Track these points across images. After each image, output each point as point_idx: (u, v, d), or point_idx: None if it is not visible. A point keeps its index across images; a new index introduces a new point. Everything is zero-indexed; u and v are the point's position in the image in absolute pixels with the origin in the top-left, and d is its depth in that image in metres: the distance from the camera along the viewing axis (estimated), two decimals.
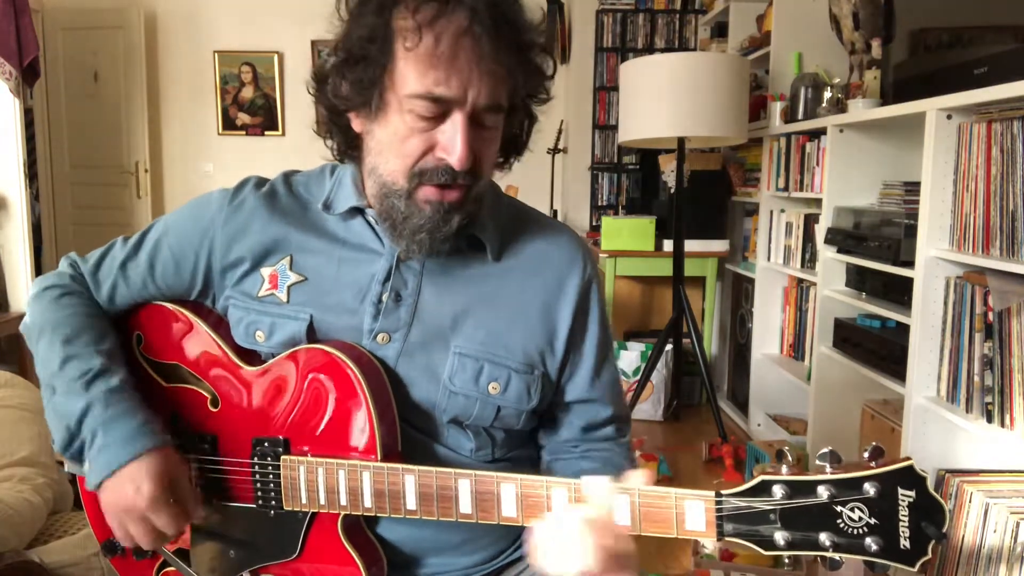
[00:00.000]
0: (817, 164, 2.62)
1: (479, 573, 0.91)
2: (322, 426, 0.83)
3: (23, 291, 3.13)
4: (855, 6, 2.50)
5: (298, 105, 4.95)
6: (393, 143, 0.79)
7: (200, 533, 0.90)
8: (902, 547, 0.63)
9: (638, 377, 3.20)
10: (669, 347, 3.12)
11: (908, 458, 0.64)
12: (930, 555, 0.63)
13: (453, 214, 0.81)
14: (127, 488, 0.79)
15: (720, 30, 3.96)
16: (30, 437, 1.57)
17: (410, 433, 0.85)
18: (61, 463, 1.62)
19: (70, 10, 4.77)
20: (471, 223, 0.86)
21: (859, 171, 2.43)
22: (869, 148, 2.41)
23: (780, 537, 0.65)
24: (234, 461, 0.87)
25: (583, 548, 0.69)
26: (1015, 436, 1.56)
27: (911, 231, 1.94)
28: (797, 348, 2.90)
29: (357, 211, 0.88)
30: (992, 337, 1.63)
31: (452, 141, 0.77)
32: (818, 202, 2.56)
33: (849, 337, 2.32)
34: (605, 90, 4.54)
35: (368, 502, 0.79)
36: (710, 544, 1.94)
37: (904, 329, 1.95)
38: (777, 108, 2.91)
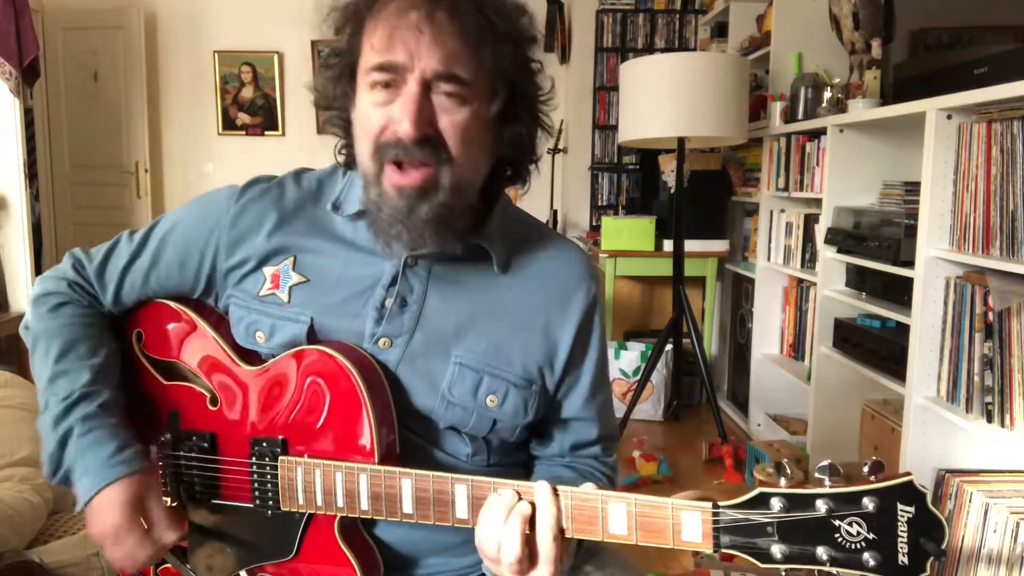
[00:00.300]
0: (817, 164, 2.61)
1: (475, 574, 0.91)
2: (320, 427, 0.82)
3: (23, 291, 3.13)
4: (855, 6, 2.49)
5: (298, 105, 4.95)
6: (361, 125, 0.81)
7: (198, 532, 0.90)
8: (900, 563, 0.62)
9: (638, 377, 3.19)
10: (669, 347, 3.12)
11: (908, 473, 0.63)
12: (928, 571, 0.62)
13: (421, 201, 0.78)
14: (100, 515, 0.82)
15: (720, 30, 3.96)
16: (30, 437, 1.57)
17: (408, 437, 0.85)
18: None
19: (70, 10, 4.77)
20: (476, 232, 0.86)
21: (859, 171, 2.42)
22: (869, 148, 2.41)
23: (777, 550, 0.65)
24: (232, 460, 0.87)
25: (516, 543, 0.71)
26: (1015, 436, 1.56)
27: (911, 231, 1.94)
28: (797, 348, 2.90)
29: (365, 214, 0.87)
30: (992, 337, 1.63)
31: (402, 107, 0.77)
32: (818, 202, 2.55)
33: (849, 337, 2.32)
34: (605, 90, 4.54)
35: (365, 504, 0.79)
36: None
37: (904, 329, 1.95)
38: (777, 108, 2.91)
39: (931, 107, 1.79)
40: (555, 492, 0.72)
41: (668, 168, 3.27)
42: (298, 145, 4.93)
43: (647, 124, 2.76)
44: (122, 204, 4.90)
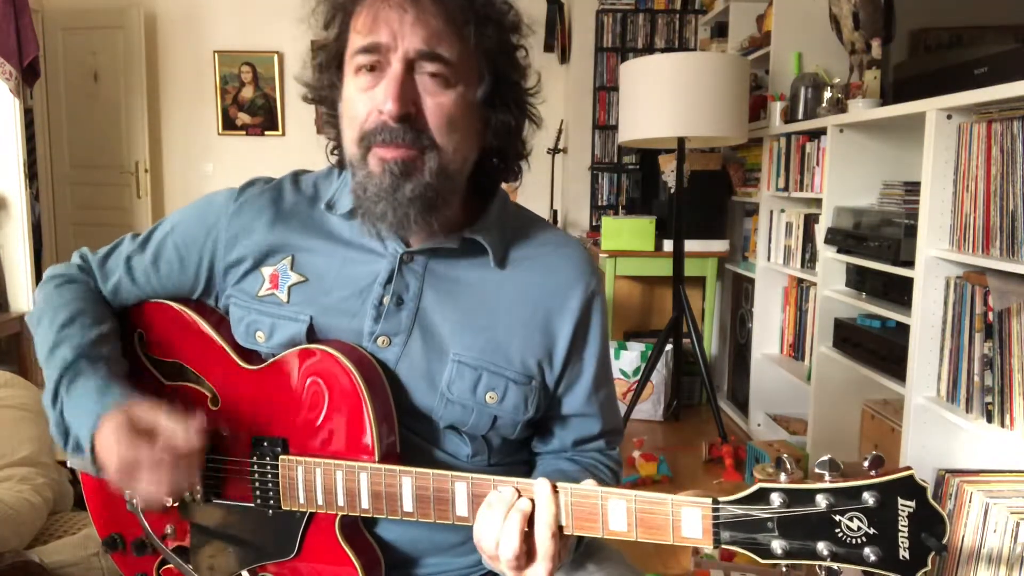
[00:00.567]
0: (817, 164, 2.61)
1: (477, 574, 0.91)
2: (321, 426, 0.83)
3: (23, 291, 3.13)
4: (855, 6, 2.50)
5: (298, 105, 4.94)
6: (347, 113, 0.82)
7: (199, 531, 0.90)
8: (901, 558, 0.62)
9: (638, 377, 3.19)
10: (669, 347, 3.12)
11: (908, 468, 0.63)
12: (929, 566, 0.62)
13: (405, 179, 0.78)
14: (105, 455, 0.77)
15: (720, 30, 3.96)
16: (30, 437, 1.57)
17: (408, 437, 0.85)
18: (61, 463, 1.62)
19: (70, 10, 4.77)
20: (472, 227, 0.86)
21: (859, 171, 2.42)
22: (869, 148, 2.41)
23: (778, 546, 0.65)
24: (233, 460, 0.87)
25: (514, 540, 0.71)
26: (1015, 436, 1.56)
27: (911, 231, 1.94)
28: (797, 348, 2.90)
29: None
30: (992, 337, 1.63)
31: (385, 87, 0.77)
32: (818, 202, 2.55)
33: (849, 337, 2.32)
34: (605, 90, 4.54)
35: (365, 503, 0.79)
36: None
37: (904, 329, 1.95)
38: (777, 108, 2.91)
39: (931, 107, 1.79)
40: (554, 489, 0.72)
41: (668, 168, 3.27)
42: (298, 145, 4.93)
43: (647, 124, 2.76)
44: (122, 204, 4.90)
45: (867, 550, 0.63)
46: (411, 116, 0.78)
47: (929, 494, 0.63)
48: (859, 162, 2.42)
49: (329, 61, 0.84)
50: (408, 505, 0.78)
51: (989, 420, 1.63)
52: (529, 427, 0.91)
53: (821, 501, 0.64)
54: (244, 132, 5.03)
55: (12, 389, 1.69)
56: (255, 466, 0.85)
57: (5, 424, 1.58)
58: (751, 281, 3.17)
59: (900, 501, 0.62)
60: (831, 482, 0.64)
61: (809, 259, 2.76)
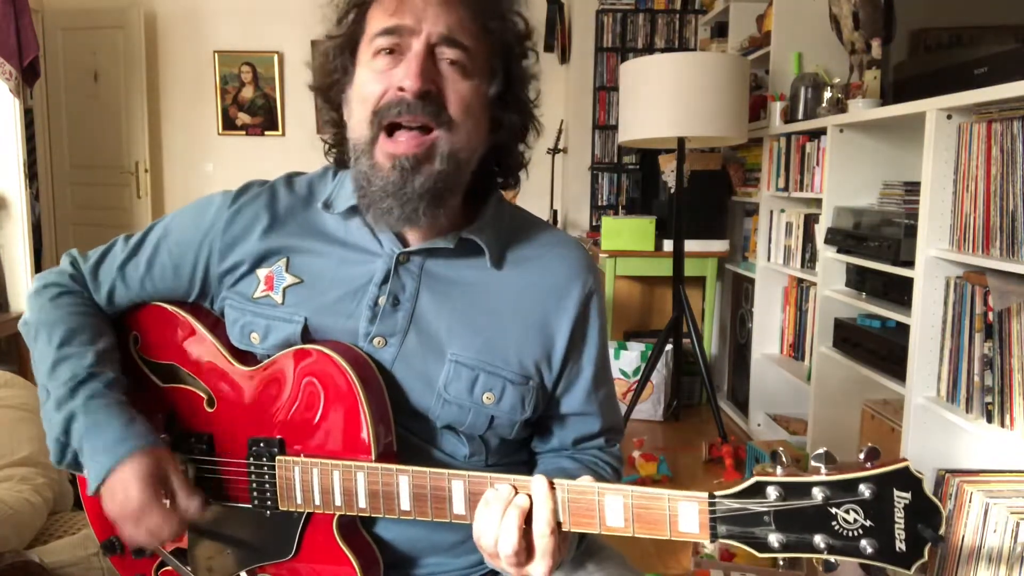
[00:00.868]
0: (817, 164, 2.61)
1: (476, 574, 0.91)
2: (317, 426, 0.82)
3: (23, 291, 3.13)
4: (855, 6, 2.49)
5: (298, 105, 4.95)
6: (360, 95, 0.82)
7: (197, 533, 0.90)
8: (898, 549, 0.63)
9: (638, 377, 3.19)
10: (669, 347, 3.12)
11: (904, 459, 0.63)
12: (926, 557, 0.63)
13: (415, 173, 0.79)
14: (118, 494, 0.80)
15: (720, 30, 3.96)
16: (30, 437, 1.57)
17: (405, 437, 0.85)
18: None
19: (70, 10, 4.77)
20: (469, 227, 0.86)
21: (859, 171, 2.42)
22: (869, 148, 2.41)
23: (774, 539, 0.65)
24: (230, 461, 0.87)
25: (513, 537, 0.71)
26: (1015, 436, 1.56)
27: (911, 231, 1.94)
28: (797, 348, 2.90)
29: (356, 211, 0.87)
30: (992, 337, 1.62)
31: (407, 66, 0.78)
32: (818, 202, 2.55)
33: (849, 337, 2.32)
34: (605, 90, 4.54)
35: (363, 502, 0.79)
36: (710, 544, 1.94)
37: (904, 329, 1.95)
38: (777, 108, 2.91)
39: (931, 107, 1.79)
40: (551, 485, 0.72)
41: (668, 168, 3.27)
42: (298, 145, 4.93)
43: (647, 124, 2.76)
44: (122, 204, 4.90)
45: (864, 542, 0.63)
46: (431, 94, 0.78)
47: (925, 485, 0.63)
48: (859, 162, 2.42)
49: (343, 46, 0.84)
50: (405, 504, 0.78)
51: (989, 420, 1.63)
52: (527, 427, 0.91)
53: (817, 494, 0.64)
54: (244, 132, 5.03)
55: (12, 389, 1.69)
56: (252, 467, 0.85)
57: (5, 424, 1.58)
58: (751, 281, 3.17)
59: (896, 493, 0.63)
60: (827, 475, 0.64)
61: (809, 259, 2.76)
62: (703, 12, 4.35)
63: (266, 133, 5.03)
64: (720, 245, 3.40)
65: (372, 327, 0.85)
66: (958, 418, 1.70)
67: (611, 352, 3.26)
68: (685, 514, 0.68)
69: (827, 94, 2.57)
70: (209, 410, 0.89)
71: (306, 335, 0.86)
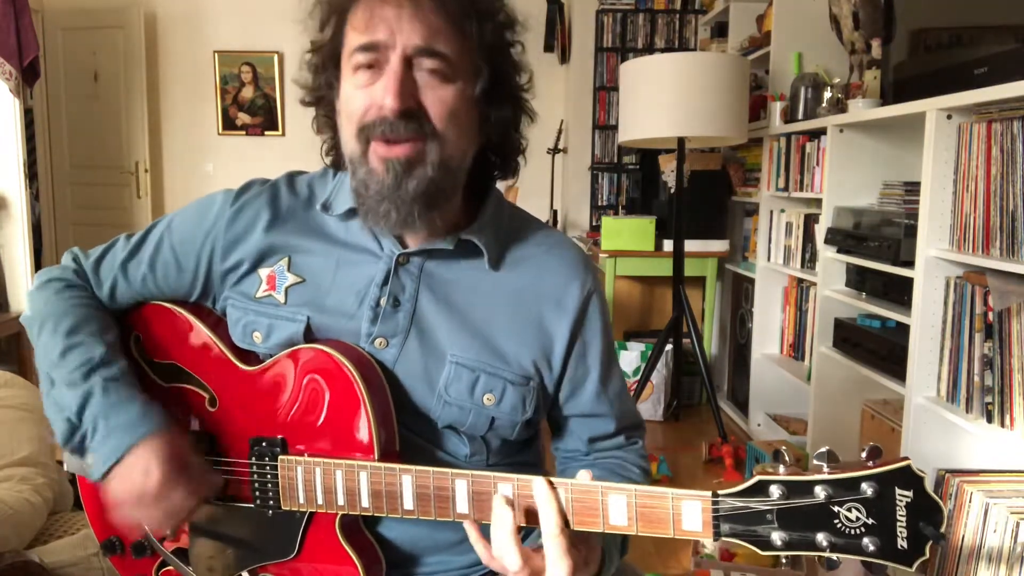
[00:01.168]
0: (817, 164, 2.61)
1: (477, 573, 0.91)
2: (320, 426, 0.82)
3: (23, 291, 3.13)
4: (855, 6, 2.50)
5: (298, 105, 4.89)
6: (345, 110, 0.81)
7: (199, 532, 0.90)
8: (899, 547, 0.63)
9: (638, 377, 3.20)
10: (669, 347, 3.12)
11: (906, 458, 0.64)
12: (927, 555, 0.63)
13: (408, 176, 0.78)
14: (136, 473, 0.79)
15: (720, 30, 3.96)
16: (30, 437, 1.57)
17: (407, 437, 0.85)
18: (61, 463, 1.62)
19: (70, 10, 4.77)
20: (467, 228, 0.86)
21: (859, 171, 2.42)
22: (869, 148, 2.41)
23: (777, 537, 0.65)
24: (232, 461, 0.87)
25: (513, 553, 0.71)
26: (1015, 436, 1.56)
27: (911, 231, 1.94)
28: (797, 348, 2.90)
29: (355, 212, 0.87)
30: (992, 337, 1.63)
31: (385, 82, 0.77)
32: (818, 202, 2.55)
33: (849, 337, 2.32)
34: (605, 90, 4.54)
35: (365, 502, 0.79)
36: (710, 544, 1.94)
37: (904, 329, 1.95)
38: (777, 108, 2.91)
39: (931, 107, 1.79)
40: (551, 484, 0.72)
41: (668, 168, 3.27)
42: (298, 145, 4.93)
43: (647, 124, 2.76)
44: (122, 204, 4.90)
45: (866, 540, 0.63)
46: (412, 111, 0.78)
47: (926, 483, 0.63)
48: (859, 162, 2.42)
49: (326, 61, 0.84)
50: (408, 503, 0.78)
51: (989, 420, 1.63)
52: (529, 428, 0.91)
53: (819, 492, 0.64)
54: (244, 132, 5.03)
55: (12, 389, 1.69)
56: (254, 467, 0.85)
57: (5, 424, 1.58)
58: (751, 281, 3.17)
59: (898, 491, 0.63)
60: (829, 473, 0.64)
61: (809, 259, 2.76)
62: (703, 12, 4.35)
63: (266, 133, 5.03)
64: (720, 245, 3.41)
65: (374, 328, 0.85)
66: (958, 418, 1.71)
67: None
68: (689, 513, 0.68)
69: (827, 94, 2.58)
70: (211, 410, 0.89)
71: (308, 334, 0.86)
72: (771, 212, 3.03)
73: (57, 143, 4.92)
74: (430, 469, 0.77)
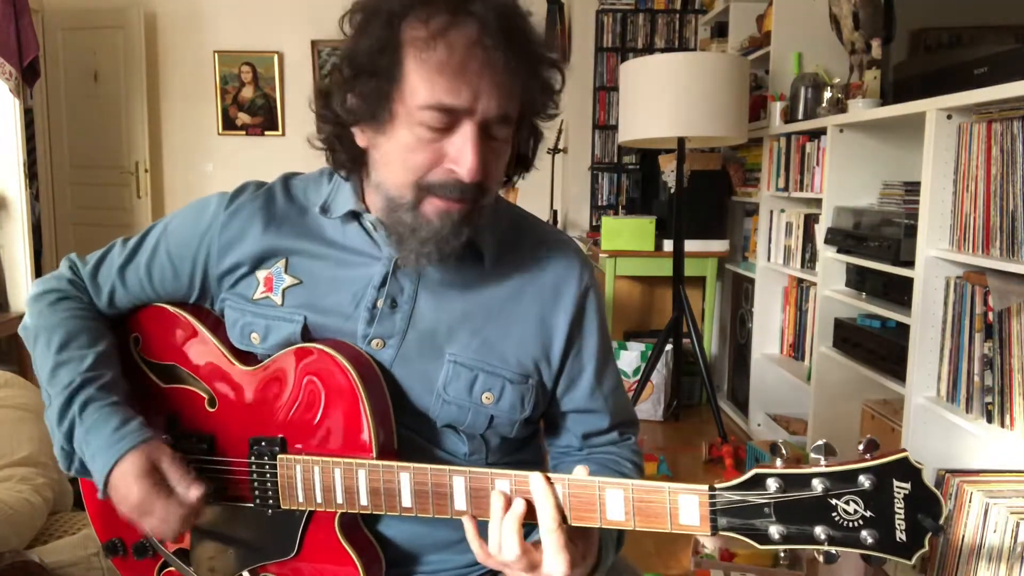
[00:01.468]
0: (817, 164, 2.61)
1: (477, 572, 0.91)
2: (318, 424, 0.83)
3: (23, 291, 3.13)
4: (855, 6, 2.50)
5: (298, 105, 4.95)
6: (401, 156, 0.77)
7: (199, 532, 0.90)
8: (898, 540, 0.63)
9: (638, 377, 3.20)
10: (669, 347, 3.12)
11: (903, 450, 0.63)
12: (926, 548, 0.63)
13: (462, 226, 0.79)
14: (121, 491, 0.81)
15: (720, 30, 3.96)
16: (30, 437, 1.57)
17: (405, 435, 0.85)
18: None
19: (70, 10, 4.77)
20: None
21: (859, 171, 2.42)
22: (869, 148, 2.41)
23: (775, 531, 0.65)
24: (232, 461, 0.87)
25: (513, 543, 0.71)
26: (1015, 436, 1.56)
27: (911, 231, 1.94)
28: (797, 348, 2.90)
29: (354, 215, 0.87)
30: (992, 337, 1.63)
31: (462, 152, 0.75)
32: (818, 202, 2.55)
33: (849, 337, 2.32)
34: (605, 90, 4.54)
35: (364, 500, 0.79)
36: (710, 544, 1.94)
37: (904, 329, 1.95)
38: (777, 108, 2.91)
39: (931, 107, 1.79)
40: (548, 480, 0.72)
41: (668, 168, 3.28)
42: (298, 145, 4.84)
43: (647, 124, 2.76)
44: (122, 204, 4.90)
45: (864, 533, 0.63)
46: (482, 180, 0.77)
47: (924, 475, 0.63)
48: (859, 162, 2.42)
49: (380, 96, 0.76)
50: (407, 500, 0.78)
51: (989, 420, 1.63)
52: (528, 426, 0.91)
53: (817, 485, 0.64)
54: (244, 132, 5.03)
55: (12, 389, 1.69)
56: (253, 466, 0.85)
57: (5, 424, 1.58)
58: (751, 281, 3.17)
59: (896, 483, 0.63)
60: (826, 466, 0.64)
61: (809, 259, 2.76)
62: (703, 12, 4.35)
63: (266, 133, 5.03)
64: (720, 245, 3.41)
65: (370, 329, 0.85)
66: (958, 418, 1.71)
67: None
68: (685, 507, 0.68)
69: (827, 94, 2.58)
70: (210, 410, 0.89)
71: (306, 334, 0.86)
72: (771, 212, 3.03)
73: (57, 143, 4.92)
74: (427, 466, 0.77)
